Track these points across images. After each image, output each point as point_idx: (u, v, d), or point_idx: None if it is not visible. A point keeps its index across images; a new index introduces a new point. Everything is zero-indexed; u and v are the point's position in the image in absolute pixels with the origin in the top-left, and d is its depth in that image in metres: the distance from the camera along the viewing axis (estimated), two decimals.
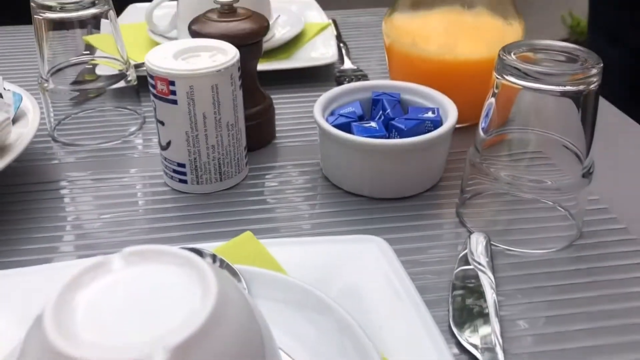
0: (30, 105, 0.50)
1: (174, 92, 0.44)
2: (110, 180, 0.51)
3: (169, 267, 0.25)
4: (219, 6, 0.51)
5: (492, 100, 0.41)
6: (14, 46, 0.77)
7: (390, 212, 0.46)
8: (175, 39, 0.71)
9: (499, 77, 0.40)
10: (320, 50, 0.71)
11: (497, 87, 0.41)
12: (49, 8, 0.51)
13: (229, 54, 0.46)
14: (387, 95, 0.51)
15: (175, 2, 0.72)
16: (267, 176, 0.51)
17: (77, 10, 0.51)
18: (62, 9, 0.51)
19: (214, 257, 0.34)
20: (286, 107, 0.62)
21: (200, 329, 0.22)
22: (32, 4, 0.51)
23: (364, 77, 0.67)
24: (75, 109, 0.59)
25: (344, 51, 0.73)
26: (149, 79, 0.45)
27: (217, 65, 0.44)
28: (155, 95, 0.45)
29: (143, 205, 0.48)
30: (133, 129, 0.58)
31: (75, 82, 0.59)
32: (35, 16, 0.51)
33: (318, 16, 0.80)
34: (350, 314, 0.31)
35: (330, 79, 0.68)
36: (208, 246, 0.38)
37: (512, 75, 0.39)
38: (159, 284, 0.24)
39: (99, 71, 0.60)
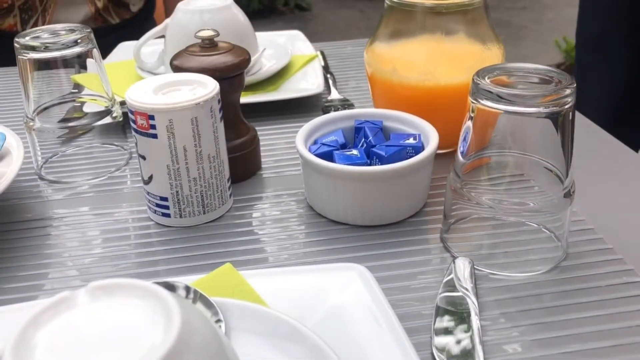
0: (15, 144, 0.50)
1: (153, 126, 0.44)
2: (96, 216, 0.51)
3: (133, 300, 0.24)
4: (200, 41, 0.51)
5: (469, 124, 0.41)
6: None
7: (374, 240, 0.46)
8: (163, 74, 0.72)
9: (474, 101, 0.40)
10: (307, 82, 0.72)
11: (473, 111, 0.41)
12: (33, 48, 0.52)
13: (209, 86, 0.46)
14: (369, 123, 0.52)
15: (163, 39, 0.73)
16: (251, 207, 0.51)
17: (60, 49, 0.52)
18: (46, 48, 0.52)
19: (187, 289, 0.34)
20: (274, 138, 0.62)
21: None
22: (15, 45, 0.52)
23: (351, 106, 0.68)
24: (63, 147, 0.60)
25: (330, 82, 0.73)
26: (129, 114, 0.45)
27: (197, 98, 0.44)
28: (135, 130, 0.45)
29: (129, 241, 0.48)
30: (119, 164, 0.58)
31: (62, 120, 0.59)
32: (19, 57, 0.52)
33: (305, 48, 0.81)
34: (325, 341, 0.30)
35: (317, 110, 0.68)
36: (188, 279, 0.38)
37: (486, 99, 0.39)
38: (121, 318, 0.24)
39: (86, 109, 0.60)
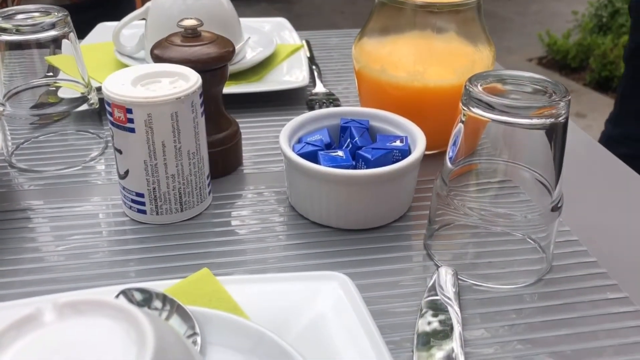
0: None
1: (131, 120, 0.42)
2: (69, 209, 0.49)
3: (104, 320, 0.23)
4: (182, 30, 0.49)
5: (460, 128, 0.40)
6: None
7: (357, 245, 0.45)
8: (143, 59, 0.69)
9: (465, 108, 0.39)
10: (292, 73, 0.70)
11: (464, 117, 0.40)
12: (4, 30, 0.49)
13: (191, 80, 0.44)
14: (355, 122, 0.50)
15: (144, 22, 0.70)
16: (231, 205, 0.50)
17: (34, 32, 0.49)
18: (18, 31, 0.49)
19: (164, 299, 0.32)
20: (255, 131, 0.61)
21: None
22: None
23: (336, 101, 0.66)
24: (36, 133, 0.57)
25: (316, 74, 0.71)
26: (106, 106, 0.43)
27: (177, 92, 0.43)
28: (112, 123, 0.43)
29: (102, 237, 0.46)
30: (95, 154, 0.56)
31: (36, 106, 0.57)
32: None
33: (291, 37, 0.79)
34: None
35: (301, 103, 0.67)
36: (163, 284, 0.36)
37: (478, 107, 0.38)
38: (91, 341, 0.22)
39: (61, 94, 0.58)
